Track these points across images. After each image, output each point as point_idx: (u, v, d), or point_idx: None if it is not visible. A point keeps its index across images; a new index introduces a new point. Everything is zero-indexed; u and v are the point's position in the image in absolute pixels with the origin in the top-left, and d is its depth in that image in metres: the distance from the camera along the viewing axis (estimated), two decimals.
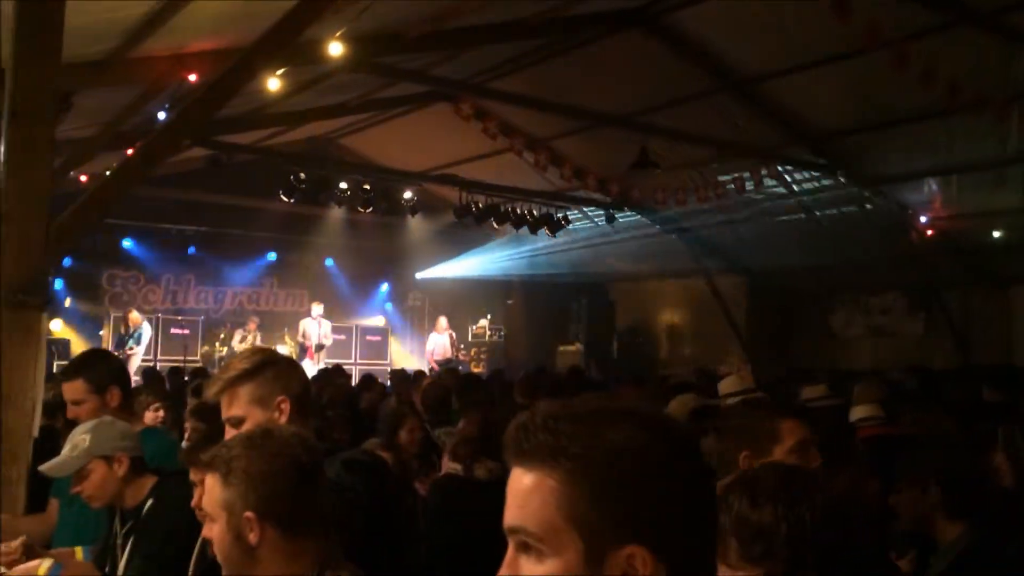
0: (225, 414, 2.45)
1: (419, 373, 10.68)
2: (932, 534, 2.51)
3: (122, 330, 13.78)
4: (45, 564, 2.81)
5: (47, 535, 3.48)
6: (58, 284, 14.16)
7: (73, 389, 3.34)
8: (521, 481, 1.05)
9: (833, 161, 11.01)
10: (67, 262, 14.11)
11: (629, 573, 1.00)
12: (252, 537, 1.86)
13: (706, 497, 1.08)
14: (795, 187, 11.81)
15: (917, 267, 12.10)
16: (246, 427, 2.38)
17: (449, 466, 4.35)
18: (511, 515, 1.05)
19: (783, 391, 7.17)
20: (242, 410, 2.42)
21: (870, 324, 13.89)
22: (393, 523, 2.57)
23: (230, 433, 2.37)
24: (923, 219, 11.31)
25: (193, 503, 2.60)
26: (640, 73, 10.35)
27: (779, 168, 11.27)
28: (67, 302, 14.09)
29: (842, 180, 11.32)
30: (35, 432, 3.65)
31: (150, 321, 14.38)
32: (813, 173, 11.49)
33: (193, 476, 2.68)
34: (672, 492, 1.02)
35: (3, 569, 2.81)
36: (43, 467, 3.18)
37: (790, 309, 14.72)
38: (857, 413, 4.69)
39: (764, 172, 11.12)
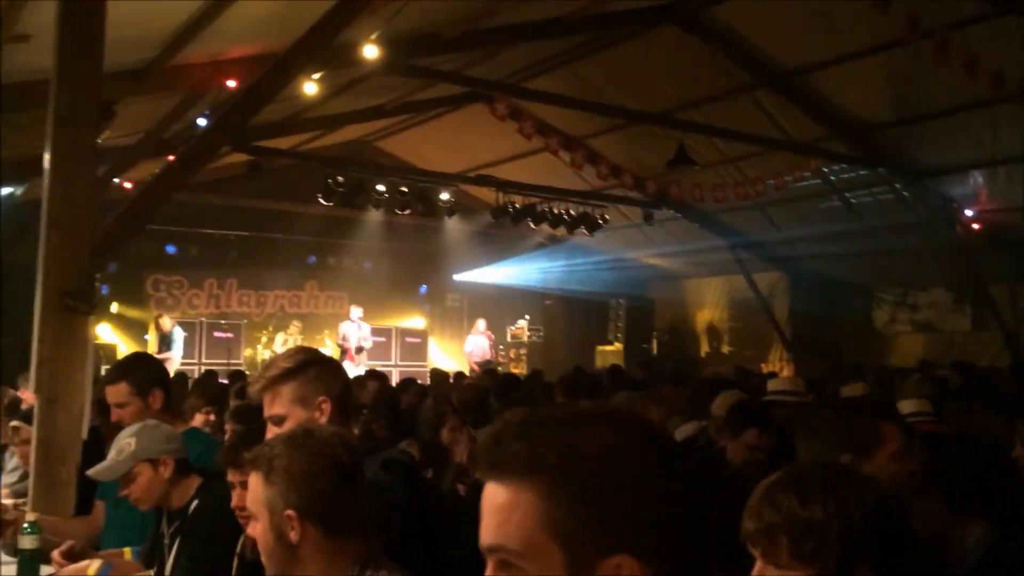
0: (267, 412, 2.47)
1: (459, 374, 10.70)
2: (944, 537, 2.43)
3: (154, 335, 13.95)
4: (95, 565, 2.85)
5: (94, 537, 3.54)
6: (104, 290, 14.43)
7: (117, 392, 3.38)
8: (497, 496, 0.99)
9: (874, 155, 10.83)
10: (112, 268, 14.38)
11: None
12: (293, 536, 1.87)
13: (692, 498, 1.02)
14: (835, 181, 11.62)
15: (963, 261, 11.85)
16: (287, 426, 2.40)
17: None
18: (488, 533, 1.00)
19: (828, 390, 7.07)
20: (284, 409, 2.43)
21: (915, 320, 13.64)
22: (431, 523, 2.57)
23: (271, 432, 2.39)
24: (968, 212, 11.08)
25: (232, 504, 2.62)
26: (676, 69, 10.29)
27: (820, 164, 11.09)
28: (113, 307, 14.32)
29: (883, 174, 11.13)
30: (84, 434, 3.71)
31: (193, 325, 14.57)
32: (855, 170, 11.31)
33: (231, 477, 2.70)
34: (657, 496, 0.97)
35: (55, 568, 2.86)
36: (91, 471, 3.24)
37: (832, 305, 14.49)
38: (904, 408, 4.59)
39: (807, 172, 10.94)
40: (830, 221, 12.50)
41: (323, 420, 2.41)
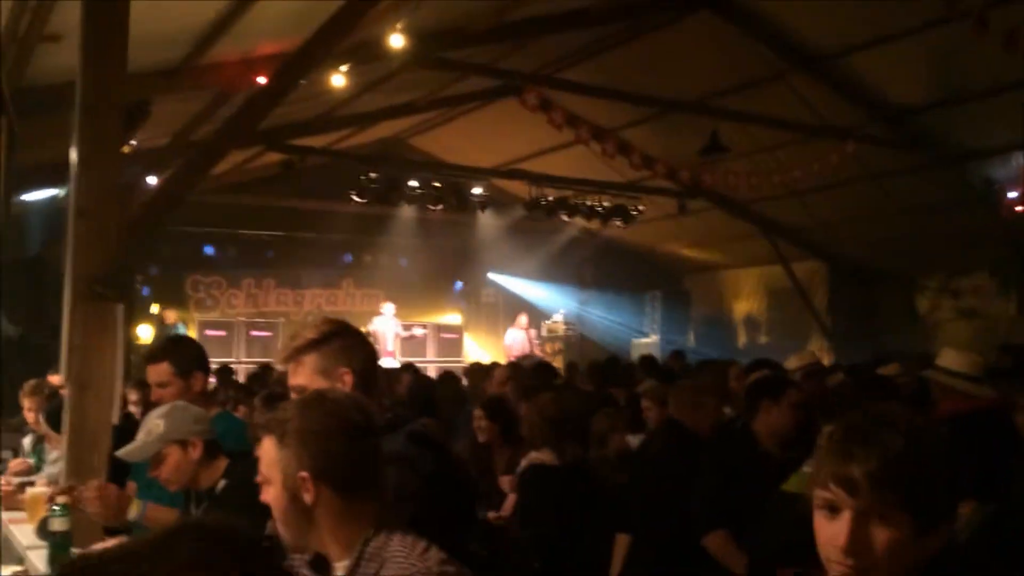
0: (290, 382, 2.47)
1: (494, 364, 10.67)
2: None
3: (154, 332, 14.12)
4: (133, 507, 2.89)
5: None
6: (144, 291, 14.66)
7: (158, 372, 3.41)
8: None
9: (913, 138, 10.62)
10: (153, 270, 14.64)
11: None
12: (308, 498, 1.85)
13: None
14: (873, 166, 11.39)
15: (1007, 245, 11.57)
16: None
17: (533, 456, 4.28)
18: None
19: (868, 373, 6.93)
20: (305, 379, 2.43)
21: (958, 306, 13.32)
22: (456, 497, 2.54)
23: None
24: (1011, 194, 10.80)
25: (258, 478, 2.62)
26: (709, 56, 10.17)
27: (857, 149, 10.86)
28: (154, 308, 14.54)
29: (923, 158, 10.90)
30: (115, 420, 3.75)
31: (232, 325, 14.76)
32: (894, 154, 11.08)
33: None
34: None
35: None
36: (120, 452, 3.27)
37: (873, 293, 14.24)
38: (945, 360, 4.46)
39: (845, 158, 10.71)
40: (869, 207, 12.28)
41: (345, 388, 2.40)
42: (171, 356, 3.46)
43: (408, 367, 9.06)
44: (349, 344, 2.49)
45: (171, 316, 14.03)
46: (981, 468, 2.30)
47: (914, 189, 11.58)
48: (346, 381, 2.42)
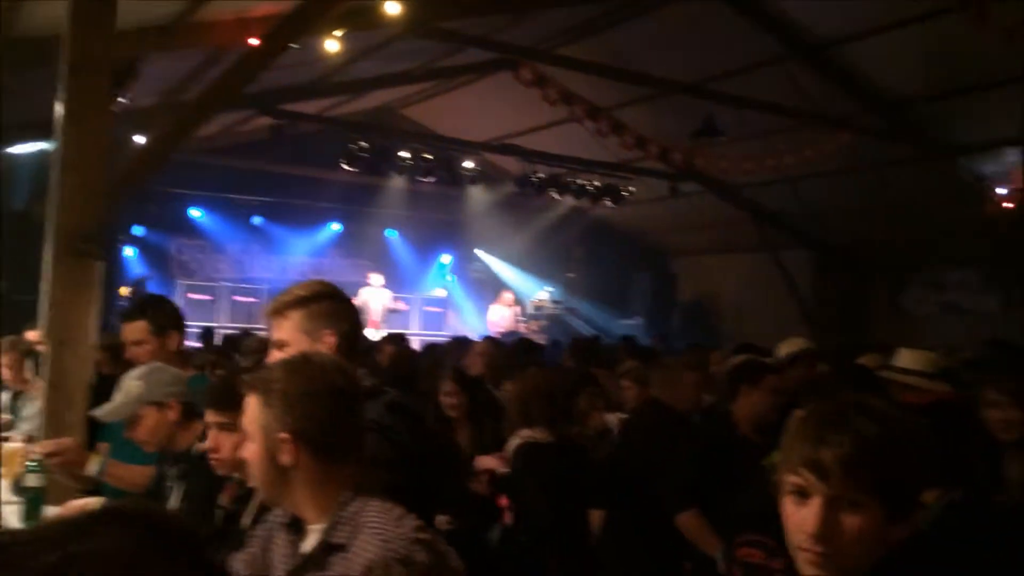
0: (272, 336, 2.47)
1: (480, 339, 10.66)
2: None
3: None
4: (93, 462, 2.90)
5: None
6: (131, 252, 14.56)
7: (134, 330, 3.39)
8: None
9: (906, 130, 10.62)
10: (140, 231, 14.53)
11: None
12: (286, 458, 1.87)
13: None
14: (865, 156, 11.40)
15: (994, 241, 11.62)
16: (288, 352, 2.39)
17: (525, 433, 4.26)
18: None
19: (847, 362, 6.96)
20: (287, 335, 2.43)
21: (943, 301, 13.40)
22: (431, 467, 2.55)
23: (272, 356, 2.39)
24: (1001, 191, 10.85)
25: (206, 445, 2.63)
26: (707, 39, 10.12)
27: (851, 139, 10.85)
28: (137, 270, 14.44)
29: (915, 150, 10.91)
30: (91, 377, 3.72)
31: (216, 289, 14.69)
32: (887, 145, 11.08)
33: (209, 418, 2.70)
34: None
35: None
36: (96, 412, 3.24)
37: (860, 285, 14.30)
38: (902, 360, 4.53)
39: (838, 146, 10.70)
40: (859, 198, 12.29)
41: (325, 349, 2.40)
42: (147, 314, 3.44)
43: (393, 337, 9.00)
44: (336, 308, 2.49)
45: (124, 291, 13.86)
46: (941, 457, 2.34)
47: (905, 181, 11.60)
48: (328, 343, 2.42)
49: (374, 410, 2.30)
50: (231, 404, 2.50)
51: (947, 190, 11.24)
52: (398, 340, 8.80)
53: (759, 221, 14.11)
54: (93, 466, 3.15)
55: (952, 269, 13.15)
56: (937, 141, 10.63)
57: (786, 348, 5.21)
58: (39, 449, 3.18)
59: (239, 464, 2.55)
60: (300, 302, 2.45)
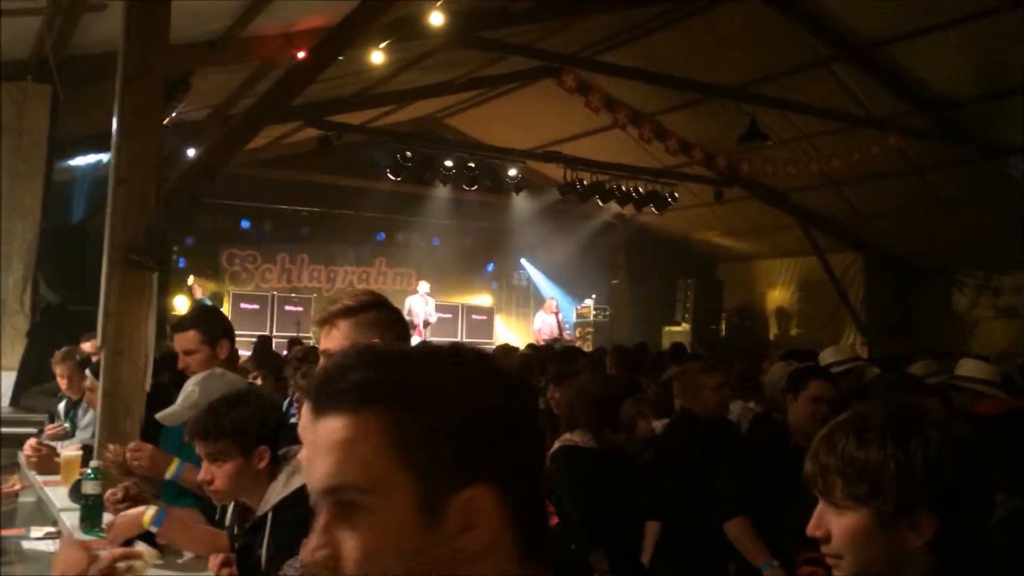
0: (321, 346, 2.50)
1: (526, 346, 10.68)
2: None
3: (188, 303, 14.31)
4: (150, 511, 2.91)
5: (155, 486, 3.62)
6: (180, 263, 14.86)
7: (186, 339, 3.46)
8: (338, 431, 0.88)
9: (956, 131, 10.40)
10: (189, 241, 14.83)
11: (471, 519, 0.87)
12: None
13: (535, 430, 0.98)
14: (914, 158, 11.19)
15: None
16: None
17: (566, 437, 4.27)
18: (326, 475, 0.88)
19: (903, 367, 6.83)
20: (336, 345, 2.44)
21: (998, 305, 13.09)
22: None
23: (322, 365, 2.41)
24: None
25: (199, 478, 2.59)
26: (751, 42, 10.04)
27: (899, 141, 10.66)
28: (190, 280, 14.73)
29: (966, 151, 10.68)
30: (147, 386, 3.80)
31: (265, 299, 14.94)
32: (936, 147, 10.86)
33: (198, 450, 2.64)
34: (508, 426, 0.92)
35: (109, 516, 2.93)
36: (158, 415, 3.33)
37: (910, 289, 14.02)
38: (963, 369, 4.45)
39: (885, 149, 10.51)
40: (909, 200, 12.07)
41: None
42: (199, 324, 3.51)
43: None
44: (382, 318, 2.50)
45: (199, 290, 14.21)
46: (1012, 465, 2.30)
47: (956, 183, 11.37)
48: None
49: None
50: (216, 433, 2.54)
51: (998, 192, 10.98)
52: None
53: (806, 225, 13.93)
54: (171, 470, 3.20)
55: (1008, 272, 12.83)
56: (988, 142, 10.40)
57: (832, 355, 5.10)
58: (127, 450, 3.26)
59: (236, 492, 2.60)
60: (347, 312, 2.47)
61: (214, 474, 2.55)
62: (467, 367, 0.93)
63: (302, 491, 2.40)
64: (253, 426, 2.57)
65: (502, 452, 0.90)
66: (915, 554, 1.45)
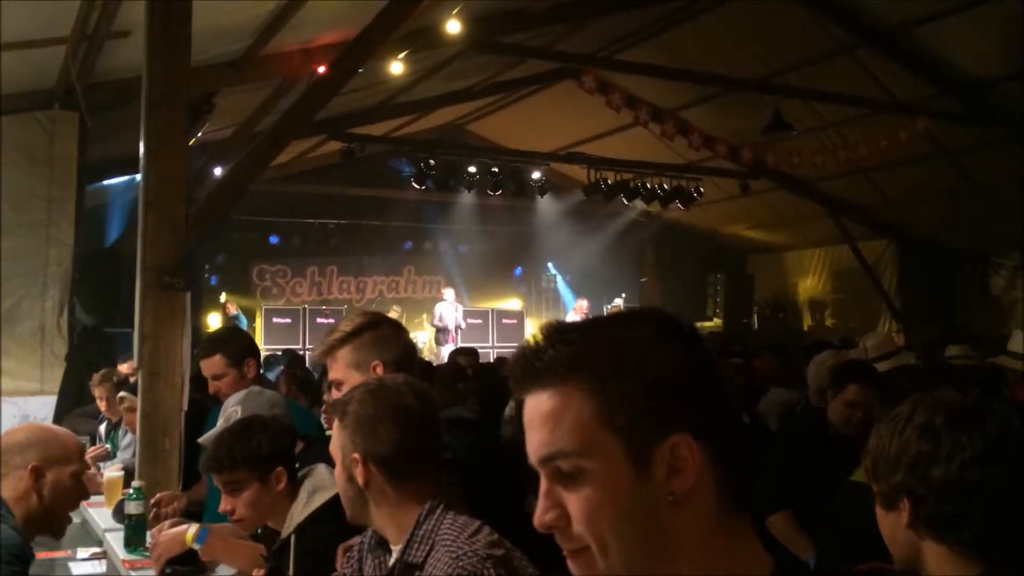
0: (329, 376, 2.50)
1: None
2: None
3: (221, 321, 14.42)
4: (193, 528, 2.94)
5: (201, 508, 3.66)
6: (212, 280, 15.03)
7: (212, 365, 3.47)
8: (544, 404, 0.99)
9: (986, 112, 10.24)
10: (220, 259, 15.00)
11: (676, 465, 0.95)
12: (360, 478, 1.92)
13: (717, 378, 1.04)
14: (944, 141, 11.03)
15: None
16: (344, 390, 2.39)
17: None
18: (540, 444, 0.99)
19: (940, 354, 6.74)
20: (340, 374, 2.45)
21: None
22: (493, 480, 2.54)
23: (334, 395, 2.42)
24: None
25: (220, 509, 2.60)
26: (771, 33, 9.96)
27: (928, 125, 10.50)
28: (222, 297, 14.88)
29: (997, 132, 10.50)
30: (184, 406, 3.84)
31: (297, 312, 15.06)
32: (967, 129, 10.69)
33: (216, 483, 2.65)
34: (697, 377, 1.00)
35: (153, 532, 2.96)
36: (201, 439, 3.35)
37: (945, 273, 13.81)
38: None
39: (915, 133, 10.34)
40: (940, 184, 11.90)
41: None
42: (222, 348, 3.52)
43: (463, 351, 9.10)
44: (381, 336, 2.49)
45: (232, 307, 14.36)
46: None
47: (987, 164, 11.19)
48: (378, 373, 2.42)
49: None
50: (230, 464, 2.54)
51: None
52: (470, 353, 8.87)
53: (835, 214, 13.78)
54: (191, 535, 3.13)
55: None
56: (1020, 121, 10.22)
57: (872, 341, 4.99)
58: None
59: (259, 518, 2.61)
60: (344, 339, 2.46)
61: (235, 504, 2.56)
62: (647, 329, 1.01)
63: (324, 509, 2.41)
64: (265, 450, 2.57)
65: (692, 402, 0.98)
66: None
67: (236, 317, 14.06)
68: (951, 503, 1.43)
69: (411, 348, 2.59)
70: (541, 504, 0.99)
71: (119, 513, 3.53)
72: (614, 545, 0.95)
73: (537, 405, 1.00)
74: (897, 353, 4.96)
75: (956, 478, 1.43)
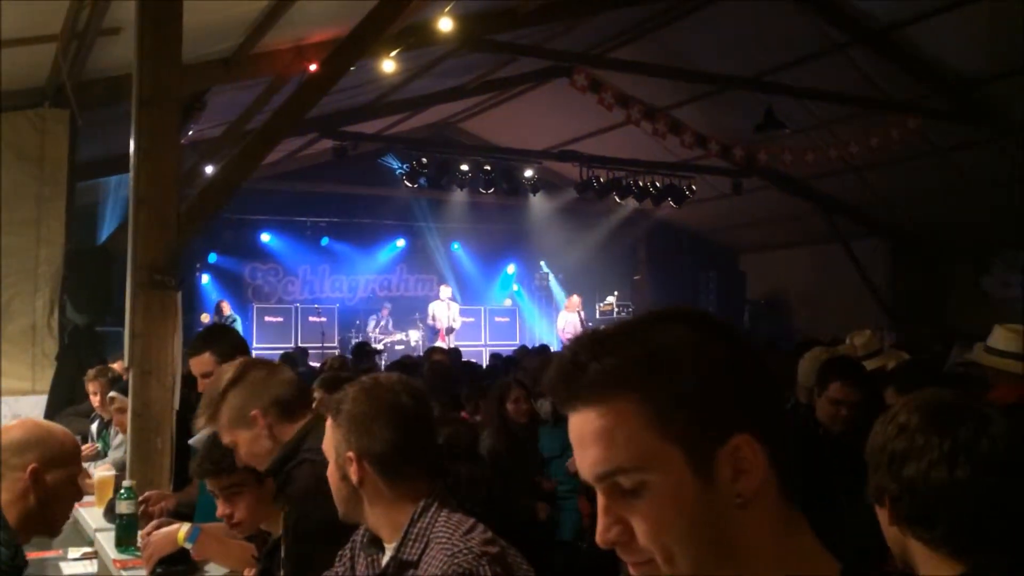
0: (224, 443, 2.50)
1: (543, 347, 10.69)
2: None
3: (217, 319, 14.37)
4: (184, 527, 2.93)
5: (190, 507, 3.64)
6: (205, 279, 14.98)
7: (201, 363, 3.46)
8: (593, 422, 0.95)
9: (978, 110, 10.27)
10: (212, 258, 14.95)
11: (740, 466, 0.93)
12: (354, 476, 1.92)
13: (767, 373, 1.00)
14: (936, 139, 11.06)
15: None
16: (242, 450, 2.43)
17: None
18: (596, 463, 0.95)
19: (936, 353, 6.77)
20: (230, 436, 2.46)
21: None
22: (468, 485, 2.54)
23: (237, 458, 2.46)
24: None
25: (218, 513, 2.60)
26: (762, 31, 9.96)
27: (920, 123, 10.52)
28: (214, 296, 14.84)
29: (989, 131, 10.54)
30: (176, 405, 3.83)
31: (289, 311, 15.04)
32: (959, 127, 10.72)
33: (209, 487, 2.65)
34: (747, 374, 0.96)
35: (144, 532, 2.95)
36: (192, 440, 3.33)
37: (937, 271, 13.85)
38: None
39: (906, 132, 10.37)
40: (931, 182, 11.93)
41: (264, 431, 2.42)
42: (212, 346, 3.50)
43: (435, 350, 9.17)
44: (244, 387, 2.48)
45: (227, 306, 14.31)
46: None
47: (979, 163, 11.23)
48: (261, 421, 2.44)
49: None
50: (230, 466, 2.54)
51: (1022, 168, 10.82)
52: (442, 352, 8.95)
53: (828, 212, 13.81)
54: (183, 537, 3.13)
55: None
56: (1011, 119, 10.26)
57: (860, 339, 5.00)
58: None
59: (258, 521, 2.61)
60: (218, 403, 2.47)
61: (233, 508, 2.56)
62: (685, 330, 0.97)
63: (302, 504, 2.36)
64: None
65: (745, 399, 0.95)
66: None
67: (231, 319, 14.01)
68: (919, 502, 1.46)
69: (287, 381, 2.55)
70: (602, 521, 0.96)
71: (111, 513, 3.52)
72: (681, 553, 0.93)
73: (586, 423, 0.96)
74: (878, 354, 4.95)
75: (923, 477, 1.46)
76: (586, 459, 0.96)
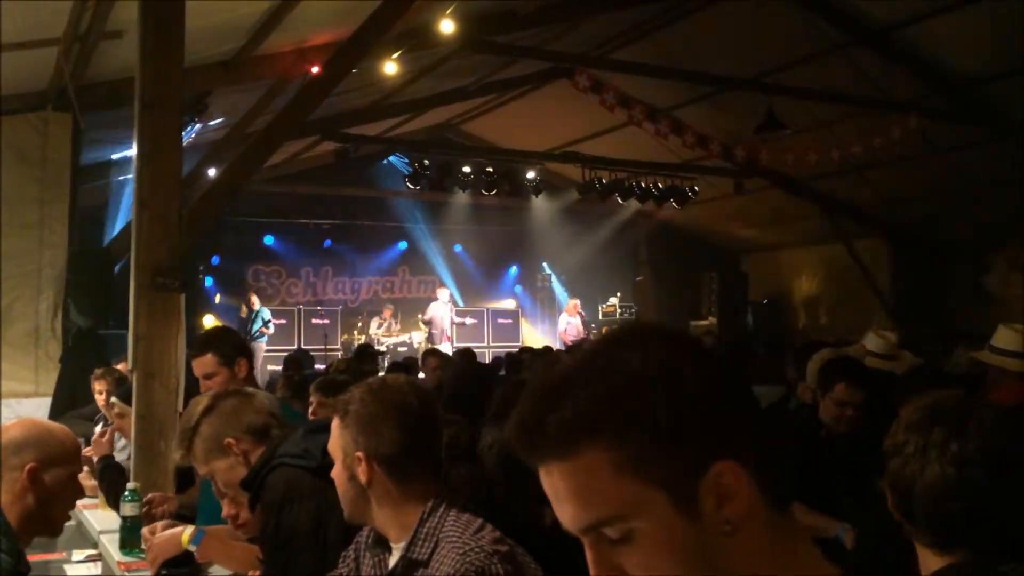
0: (200, 475, 2.54)
1: (546, 348, 10.69)
2: None
3: (243, 313, 14.37)
4: (188, 530, 2.93)
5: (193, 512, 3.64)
6: (208, 281, 14.99)
7: (203, 364, 3.46)
8: (564, 478, 0.90)
9: (978, 110, 10.27)
10: (215, 260, 14.97)
11: (724, 493, 0.89)
12: (362, 477, 1.93)
13: (739, 389, 0.96)
14: (936, 139, 11.04)
15: None
16: (218, 479, 2.46)
17: None
18: (575, 519, 0.91)
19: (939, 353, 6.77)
20: (206, 467, 2.49)
21: None
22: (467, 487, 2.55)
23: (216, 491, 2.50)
24: None
25: (224, 514, 2.59)
26: (764, 32, 9.94)
27: (921, 123, 10.51)
28: (217, 298, 14.86)
29: (989, 130, 10.53)
30: (180, 407, 3.84)
31: (291, 313, 15.05)
32: (959, 127, 10.71)
33: (216, 489, 2.64)
34: (721, 393, 0.92)
35: (146, 533, 2.95)
36: None
37: (939, 271, 13.84)
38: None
39: (907, 131, 10.36)
40: (933, 182, 11.93)
41: (239, 459, 2.46)
42: (214, 347, 3.51)
43: (433, 352, 9.17)
44: (216, 417, 2.52)
45: (256, 301, 14.32)
46: None
47: (980, 163, 11.22)
48: (237, 449, 2.47)
49: None
50: None
51: (1022, 168, 10.81)
52: (439, 354, 8.95)
53: (829, 212, 13.80)
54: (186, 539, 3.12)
55: None
56: (1009, 119, 10.25)
57: (874, 342, 4.94)
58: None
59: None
60: (191, 435, 2.50)
61: (239, 509, 2.54)
62: (645, 357, 0.91)
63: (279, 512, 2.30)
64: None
65: (720, 424, 0.90)
66: None
67: (258, 311, 14.02)
68: (901, 498, 1.52)
69: (263, 409, 2.58)
70: (594, 571, 0.92)
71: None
72: None
73: (557, 479, 0.91)
74: (892, 358, 4.92)
75: (900, 473, 1.52)
76: (565, 514, 0.92)
